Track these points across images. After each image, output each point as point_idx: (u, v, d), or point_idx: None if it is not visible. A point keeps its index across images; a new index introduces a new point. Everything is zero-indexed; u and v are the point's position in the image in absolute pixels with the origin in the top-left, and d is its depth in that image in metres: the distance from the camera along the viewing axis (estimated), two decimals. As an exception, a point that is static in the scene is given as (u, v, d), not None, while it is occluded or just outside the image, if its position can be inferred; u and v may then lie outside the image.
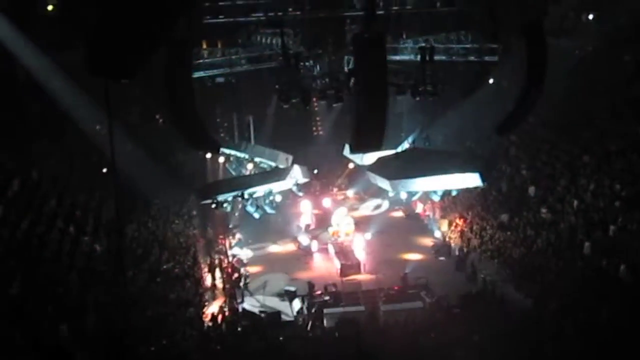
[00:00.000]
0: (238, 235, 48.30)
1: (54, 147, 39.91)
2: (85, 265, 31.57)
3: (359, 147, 31.53)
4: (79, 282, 29.77)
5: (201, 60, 40.38)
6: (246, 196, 42.68)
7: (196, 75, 37.82)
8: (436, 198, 42.86)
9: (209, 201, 42.66)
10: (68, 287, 28.76)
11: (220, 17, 37.05)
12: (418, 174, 39.66)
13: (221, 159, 51.34)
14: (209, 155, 50.83)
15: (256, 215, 44.41)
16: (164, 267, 36.69)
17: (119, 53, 10.84)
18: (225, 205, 42.65)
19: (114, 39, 10.68)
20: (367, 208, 54.93)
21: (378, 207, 54.72)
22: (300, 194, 48.75)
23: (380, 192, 51.82)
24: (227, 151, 48.10)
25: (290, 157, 48.03)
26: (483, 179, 38.78)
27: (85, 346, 24.87)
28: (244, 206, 44.45)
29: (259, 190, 43.94)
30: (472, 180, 39.02)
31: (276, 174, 46.12)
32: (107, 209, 37.53)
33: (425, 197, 45.97)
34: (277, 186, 44.91)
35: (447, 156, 41.48)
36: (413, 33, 39.37)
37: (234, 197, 42.72)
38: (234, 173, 50.20)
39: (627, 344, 24.71)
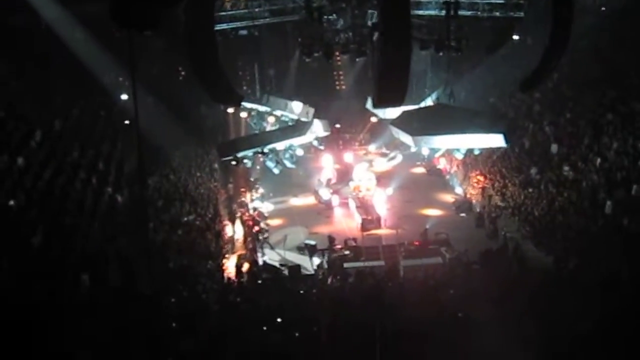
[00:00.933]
0: (259, 189, 48.39)
1: (77, 99, 40.01)
2: (107, 216, 31.76)
3: (381, 101, 31.35)
4: (101, 233, 29.97)
5: (224, 12, 40.23)
6: (266, 151, 42.72)
7: (218, 27, 37.79)
8: (459, 156, 42.67)
9: (229, 158, 42.74)
10: (90, 238, 28.97)
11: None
12: (442, 132, 39.51)
13: (243, 114, 51.33)
14: (230, 110, 50.76)
15: (276, 171, 44.46)
16: (185, 219, 36.89)
17: (142, 4, 10.81)
18: (245, 161, 42.72)
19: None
20: (382, 161, 54.66)
21: (392, 159, 54.46)
22: (321, 147, 48.80)
23: (401, 147, 51.71)
24: (248, 105, 48.09)
25: (312, 110, 47.94)
26: (507, 140, 38.57)
27: (106, 296, 25.09)
28: (265, 161, 44.48)
29: (279, 145, 44.00)
30: (495, 140, 38.79)
31: (296, 129, 46.10)
32: (129, 160, 37.67)
33: (448, 153, 45.87)
34: (297, 140, 44.92)
35: (471, 115, 41.20)
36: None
37: (254, 152, 42.79)
38: (255, 126, 50.26)
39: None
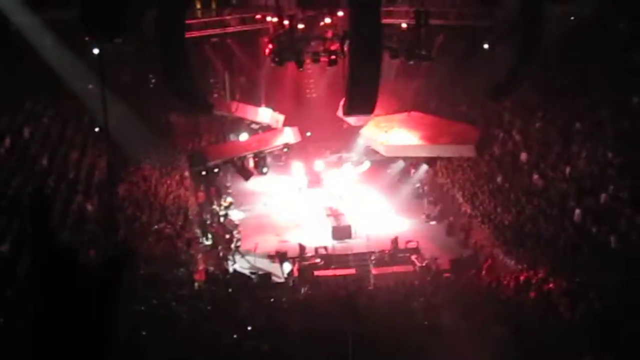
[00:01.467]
0: (229, 198, 48.20)
1: (46, 106, 39.79)
2: (77, 224, 31.57)
3: (352, 110, 31.48)
4: (70, 241, 29.77)
5: (195, 20, 40.17)
6: (236, 160, 42.80)
7: (189, 35, 37.79)
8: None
9: (200, 168, 42.76)
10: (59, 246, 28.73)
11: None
12: (413, 141, 39.65)
13: (214, 120, 51.25)
14: (202, 117, 50.64)
15: (246, 179, 44.48)
16: (155, 227, 36.69)
17: (113, 12, 10.78)
18: (215, 170, 42.71)
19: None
20: (350, 168, 54.46)
21: (360, 165, 54.24)
22: (291, 155, 48.91)
23: (371, 154, 51.71)
24: (218, 113, 48.05)
25: (281, 117, 48.06)
26: (477, 150, 38.77)
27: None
28: (235, 169, 44.44)
29: (249, 154, 44.06)
30: (466, 150, 38.99)
31: (266, 137, 46.19)
32: (98, 168, 37.48)
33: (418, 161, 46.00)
34: (267, 148, 44.97)
35: (443, 124, 41.39)
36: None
37: (224, 162, 42.80)
38: (226, 133, 50.22)
39: (617, 311, 24.86)
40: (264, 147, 45.49)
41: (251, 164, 45.75)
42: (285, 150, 47.20)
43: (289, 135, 45.86)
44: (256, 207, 47.83)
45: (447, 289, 32.00)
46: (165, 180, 43.68)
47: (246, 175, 44.81)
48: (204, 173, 42.85)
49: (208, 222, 43.25)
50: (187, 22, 36.74)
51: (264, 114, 48.97)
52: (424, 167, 46.86)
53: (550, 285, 29.16)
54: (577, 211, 34.09)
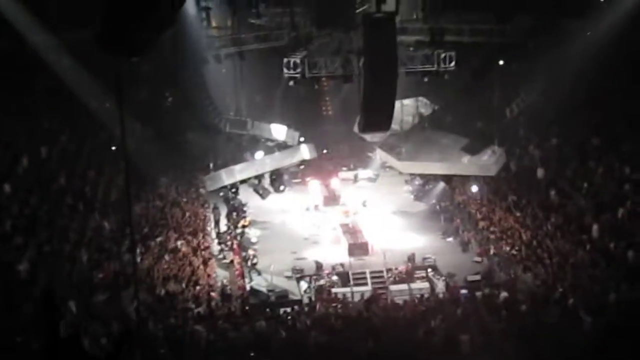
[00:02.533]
0: (249, 217, 48.12)
1: (63, 125, 39.99)
2: (94, 243, 31.68)
3: (368, 127, 31.48)
4: (88, 259, 29.88)
5: (211, 37, 40.28)
6: (253, 179, 42.95)
7: (206, 52, 37.97)
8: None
9: (216, 188, 42.95)
10: (76, 264, 28.88)
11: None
12: (430, 158, 39.65)
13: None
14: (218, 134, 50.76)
15: (262, 198, 44.58)
16: (172, 245, 36.78)
17: (130, 30, 10.81)
18: (232, 190, 42.87)
19: (125, 17, 10.65)
20: (364, 182, 54.43)
21: (372, 179, 54.20)
22: (307, 173, 48.94)
23: (388, 172, 51.69)
24: (234, 131, 48.17)
25: (297, 134, 48.08)
26: (495, 168, 38.71)
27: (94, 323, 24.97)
28: (252, 188, 44.60)
29: (265, 173, 44.16)
30: (484, 169, 38.93)
31: (282, 155, 46.28)
32: (115, 186, 37.62)
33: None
34: (284, 166, 45.05)
35: (460, 141, 41.34)
36: (423, 13, 39.22)
37: (241, 181, 42.95)
38: (242, 152, 50.34)
39: (635, 327, 24.71)
40: (280, 164, 45.51)
41: (268, 182, 45.78)
42: (302, 167, 47.21)
43: (305, 152, 45.87)
44: (273, 224, 47.86)
45: (465, 305, 31.86)
46: (182, 198, 43.84)
47: (263, 193, 44.83)
48: (221, 194, 42.97)
49: (225, 240, 43.23)
50: (204, 39, 36.99)
51: (280, 132, 49.05)
52: (441, 184, 46.77)
53: (569, 301, 29.05)
54: (595, 227, 33.98)
